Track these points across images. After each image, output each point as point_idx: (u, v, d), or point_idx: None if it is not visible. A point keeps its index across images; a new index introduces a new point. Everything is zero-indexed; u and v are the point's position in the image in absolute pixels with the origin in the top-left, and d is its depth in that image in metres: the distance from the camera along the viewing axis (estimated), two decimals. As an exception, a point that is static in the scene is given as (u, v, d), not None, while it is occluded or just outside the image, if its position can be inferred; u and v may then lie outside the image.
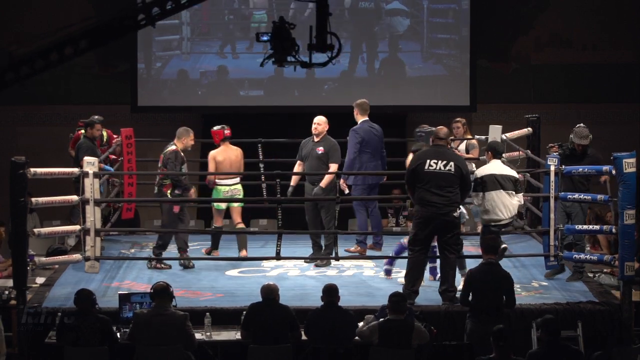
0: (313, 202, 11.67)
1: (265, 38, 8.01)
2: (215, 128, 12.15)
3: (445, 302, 9.94)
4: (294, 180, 11.95)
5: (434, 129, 10.56)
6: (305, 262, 11.70)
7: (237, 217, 12.15)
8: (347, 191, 12.12)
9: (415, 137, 11.10)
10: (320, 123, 11.80)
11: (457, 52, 16.05)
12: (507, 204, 10.19)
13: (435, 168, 9.85)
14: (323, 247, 11.74)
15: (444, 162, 9.83)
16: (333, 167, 11.69)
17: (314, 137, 11.77)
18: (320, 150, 11.69)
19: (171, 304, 8.91)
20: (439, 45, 16.16)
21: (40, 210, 13.43)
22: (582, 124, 10.99)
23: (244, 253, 11.89)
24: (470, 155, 12.41)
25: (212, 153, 12.01)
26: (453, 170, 9.82)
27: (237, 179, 12.02)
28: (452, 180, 9.82)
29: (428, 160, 9.89)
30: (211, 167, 11.95)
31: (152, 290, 8.93)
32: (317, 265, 11.65)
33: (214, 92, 16.06)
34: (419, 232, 10.00)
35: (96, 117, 12.54)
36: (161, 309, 8.82)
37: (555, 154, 11.03)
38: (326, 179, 11.57)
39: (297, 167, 11.92)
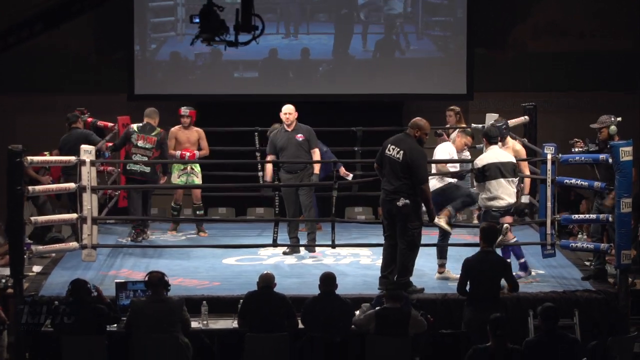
0: (294, 192, 11.68)
1: (197, 20, 8.36)
2: (190, 109, 12.72)
3: (379, 287, 9.91)
4: (268, 174, 11.91)
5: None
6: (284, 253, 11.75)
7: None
8: (350, 177, 12.30)
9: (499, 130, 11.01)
10: (291, 112, 11.81)
11: (453, 34, 15.98)
12: (508, 192, 10.18)
13: (391, 154, 9.84)
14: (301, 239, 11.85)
15: (398, 149, 9.82)
16: (317, 152, 11.79)
17: (286, 126, 11.76)
18: (300, 137, 11.71)
19: (166, 292, 8.93)
20: (434, 27, 16.10)
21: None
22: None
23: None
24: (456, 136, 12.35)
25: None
26: (401, 158, 9.77)
27: None
28: (399, 167, 9.76)
29: (389, 145, 9.91)
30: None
31: (147, 280, 8.95)
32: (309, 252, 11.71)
33: (208, 74, 16.03)
34: (382, 218, 10.07)
35: (76, 112, 12.65)
36: (157, 296, 8.85)
37: (579, 149, 10.95)
38: (317, 165, 11.69)
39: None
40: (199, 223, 12.94)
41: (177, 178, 12.59)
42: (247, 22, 8.43)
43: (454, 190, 10.68)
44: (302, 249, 11.80)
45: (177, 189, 12.89)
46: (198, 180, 12.68)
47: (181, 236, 12.81)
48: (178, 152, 12.51)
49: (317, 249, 11.76)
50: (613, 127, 10.60)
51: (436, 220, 10.32)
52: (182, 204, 13.16)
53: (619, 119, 10.66)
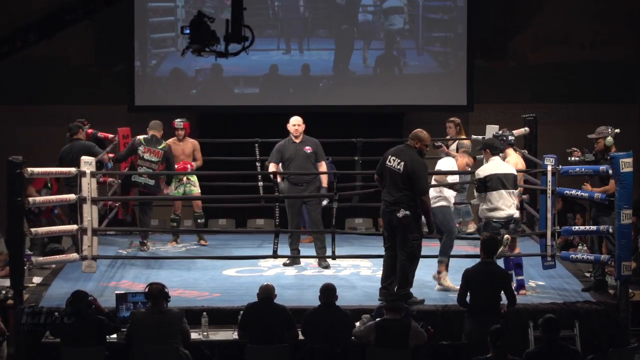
0: (300, 204, 11.65)
1: (187, 32, 8.46)
2: (184, 120, 12.89)
3: (379, 298, 9.89)
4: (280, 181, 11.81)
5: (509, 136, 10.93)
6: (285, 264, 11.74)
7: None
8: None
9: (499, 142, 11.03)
10: (300, 124, 11.80)
11: (453, 50, 16.04)
12: (508, 204, 10.17)
13: (392, 165, 9.84)
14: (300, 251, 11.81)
15: (398, 160, 9.82)
16: (324, 165, 11.80)
17: (294, 137, 11.75)
18: (309, 149, 11.71)
19: (167, 303, 8.93)
20: (435, 43, 16.14)
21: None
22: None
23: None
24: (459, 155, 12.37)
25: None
26: (402, 169, 9.77)
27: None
28: (399, 179, 9.76)
29: (390, 157, 9.91)
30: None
31: (147, 291, 8.95)
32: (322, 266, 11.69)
33: (209, 90, 16.05)
34: (383, 229, 10.08)
35: (77, 122, 12.65)
36: (157, 307, 8.85)
37: (576, 159, 10.97)
38: (325, 178, 11.66)
39: (273, 169, 11.74)
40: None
41: (174, 190, 12.62)
42: (237, 33, 8.52)
43: (440, 217, 10.59)
44: (302, 260, 11.79)
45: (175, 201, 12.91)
46: (196, 189, 12.72)
47: (181, 247, 12.82)
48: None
49: (315, 260, 11.75)
50: (609, 139, 10.60)
51: (439, 278, 10.29)
52: (182, 215, 13.19)
53: (617, 130, 10.66)
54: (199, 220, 13.00)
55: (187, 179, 12.66)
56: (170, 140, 12.70)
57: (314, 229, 11.72)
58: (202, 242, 12.93)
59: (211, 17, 8.49)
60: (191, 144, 12.83)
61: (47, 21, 8.77)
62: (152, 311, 8.86)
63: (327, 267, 11.63)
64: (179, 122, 12.79)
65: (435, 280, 10.52)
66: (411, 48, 16.15)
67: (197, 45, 8.52)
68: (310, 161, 11.70)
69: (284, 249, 11.65)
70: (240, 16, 8.56)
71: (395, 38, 16.11)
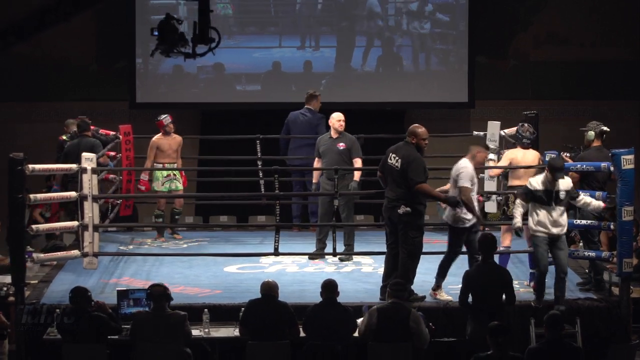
0: (330, 197, 11.59)
1: (156, 33, 8.70)
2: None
3: (381, 296, 9.89)
4: (315, 177, 11.93)
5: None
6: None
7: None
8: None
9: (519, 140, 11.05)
10: (344, 120, 11.83)
11: (455, 48, 16.04)
12: None
13: (392, 162, 9.87)
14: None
15: (397, 157, 9.85)
16: (359, 162, 11.78)
17: (334, 133, 11.76)
18: (342, 146, 11.70)
19: (168, 304, 8.92)
20: (436, 40, 16.14)
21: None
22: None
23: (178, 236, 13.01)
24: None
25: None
26: (399, 165, 9.80)
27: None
28: (398, 175, 9.79)
29: (390, 154, 9.95)
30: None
31: (149, 292, 8.95)
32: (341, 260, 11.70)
33: (211, 87, 16.03)
34: (385, 226, 10.08)
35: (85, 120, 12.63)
36: (160, 310, 8.84)
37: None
38: (358, 173, 11.69)
39: (316, 165, 11.88)
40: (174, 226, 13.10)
41: (161, 185, 12.59)
42: (204, 34, 8.74)
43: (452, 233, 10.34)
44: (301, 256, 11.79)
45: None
46: (181, 185, 12.72)
47: (182, 244, 12.80)
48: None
49: (317, 256, 11.76)
50: (590, 133, 10.73)
51: (434, 295, 10.18)
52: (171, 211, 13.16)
53: (605, 128, 10.69)
54: (176, 217, 13.02)
55: (174, 174, 12.62)
56: (156, 137, 12.64)
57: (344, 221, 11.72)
58: (176, 235, 12.94)
59: (180, 19, 8.67)
60: (178, 139, 12.78)
61: (26, 23, 8.87)
62: (155, 314, 8.83)
63: (345, 259, 11.63)
64: (167, 117, 12.72)
65: (440, 297, 10.33)
66: (413, 45, 16.14)
67: (164, 46, 8.69)
68: (342, 157, 11.67)
69: (285, 246, 11.62)
70: (207, 18, 8.76)
71: (396, 35, 16.09)
